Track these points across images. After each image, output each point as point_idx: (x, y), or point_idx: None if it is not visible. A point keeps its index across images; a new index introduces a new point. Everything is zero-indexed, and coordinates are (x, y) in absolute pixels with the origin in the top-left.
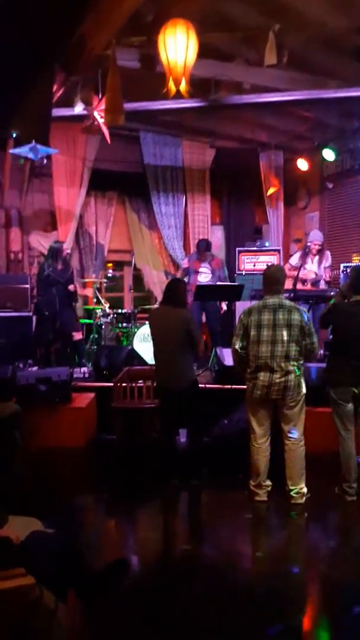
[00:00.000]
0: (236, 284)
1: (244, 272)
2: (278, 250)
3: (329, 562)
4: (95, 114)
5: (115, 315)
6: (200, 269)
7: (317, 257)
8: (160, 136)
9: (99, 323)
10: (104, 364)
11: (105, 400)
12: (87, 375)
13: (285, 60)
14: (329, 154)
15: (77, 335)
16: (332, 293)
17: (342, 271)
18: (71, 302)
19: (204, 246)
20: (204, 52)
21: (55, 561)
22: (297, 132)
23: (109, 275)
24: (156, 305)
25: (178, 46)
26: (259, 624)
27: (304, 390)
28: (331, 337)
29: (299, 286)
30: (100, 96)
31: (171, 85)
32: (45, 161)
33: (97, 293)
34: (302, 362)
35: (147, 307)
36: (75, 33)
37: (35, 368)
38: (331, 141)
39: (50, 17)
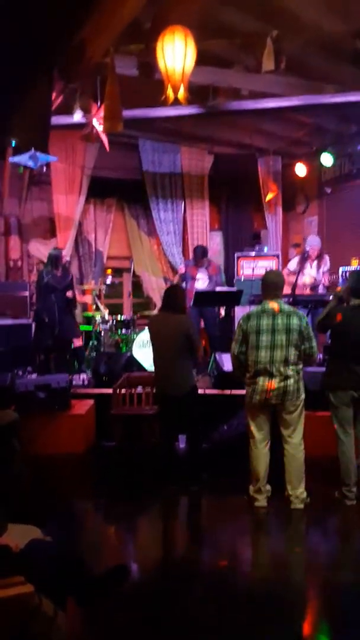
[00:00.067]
0: (235, 289)
1: (242, 278)
2: (277, 255)
3: (329, 566)
4: (94, 121)
5: (114, 322)
6: (198, 275)
7: (315, 262)
8: (159, 143)
9: (98, 330)
10: (103, 371)
11: (105, 407)
12: (86, 382)
13: (283, 66)
14: (327, 159)
15: (77, 342)
16: (330, 297)
17: (341, 275)
18: (70, 309)
19: (201, 252)
20: (202, 59)
21: (54, 569)
22: (295, 137)
23: (108, 282)
24: (155, 312)
25: (176, 53)
26: (259, 626)
27: (303, 394)
28: (330, 341)
29: (298, 291)
30: (99, 104)
31: (169, 92)
32: (44, 169)
33: (97, 300)
34: (301, 366)
35: (147, 313)
36: (75, 34)
37: (34, 375)
38: (329, 146)
39: (51, 17)
